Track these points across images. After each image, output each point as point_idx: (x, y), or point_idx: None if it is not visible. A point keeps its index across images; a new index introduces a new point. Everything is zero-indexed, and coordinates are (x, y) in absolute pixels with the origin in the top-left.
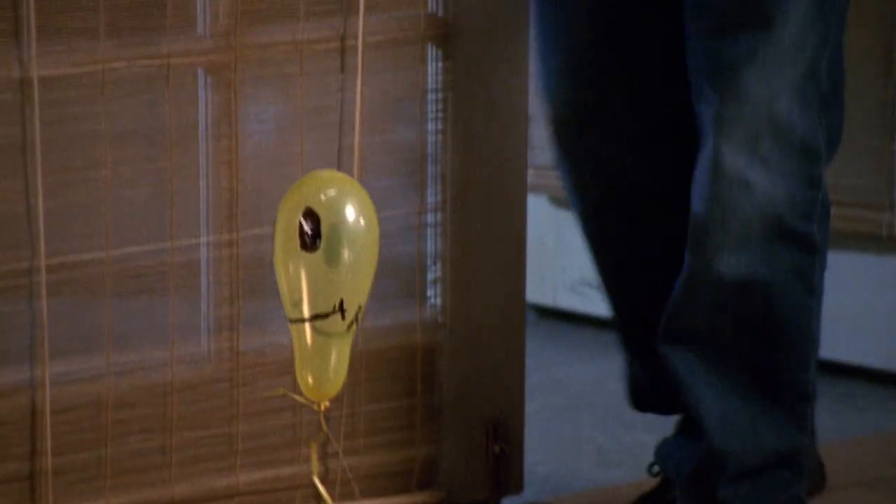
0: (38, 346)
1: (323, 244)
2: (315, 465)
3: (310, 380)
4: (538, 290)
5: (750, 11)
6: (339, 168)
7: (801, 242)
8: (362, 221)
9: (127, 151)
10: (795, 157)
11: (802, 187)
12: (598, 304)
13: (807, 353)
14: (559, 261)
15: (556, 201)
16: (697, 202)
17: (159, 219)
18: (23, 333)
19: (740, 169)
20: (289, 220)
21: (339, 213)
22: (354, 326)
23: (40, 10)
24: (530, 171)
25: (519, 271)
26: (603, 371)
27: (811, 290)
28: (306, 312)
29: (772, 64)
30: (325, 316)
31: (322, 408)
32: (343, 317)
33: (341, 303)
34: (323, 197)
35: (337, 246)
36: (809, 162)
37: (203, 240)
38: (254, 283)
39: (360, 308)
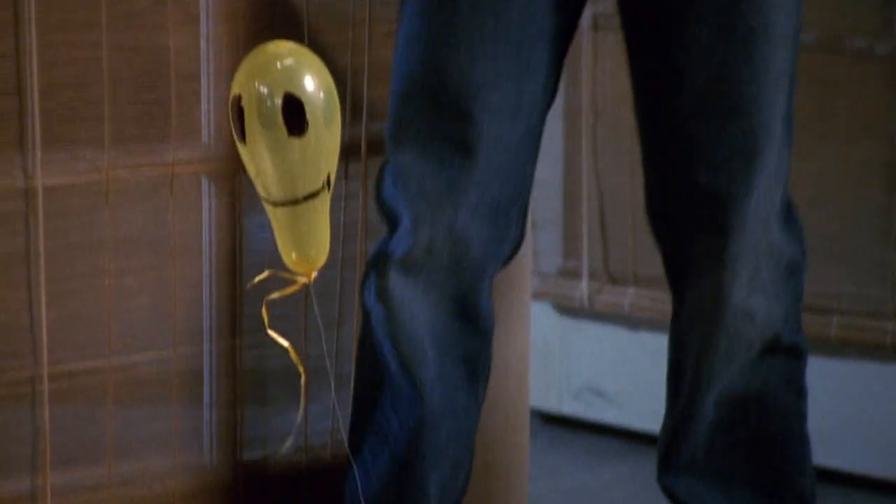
0: (39, 455)
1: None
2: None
3: (294, 255)
4: (543, 396)
5: (745, 146)
6: (341, 280)
7: (792, 352)
8: (322, 94)
9: (131, 260)
10: (786, 277)
11: (793, 302)
12: (603, 412)
13: (803, 457)
14: (564, 367)
15: (561, 308)
16: (697, 337)
17: (162, 326)
18: (24, 442)
19: (743, 300)
20: (252, 97)
21: (299, 83)
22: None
23: (45, 120)
24: (534, 278)
25: (523, 377)
26: (608, 480)
27: (800, 394)
28: (295, 194)
29: (764, 193)
30: (315, 194)
31: (311, 279)
32: (329, 189)
33: (328, 178)
34: (279, 65)
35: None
36: (796, 277)
37: (206, 348)
38: (256, 392)
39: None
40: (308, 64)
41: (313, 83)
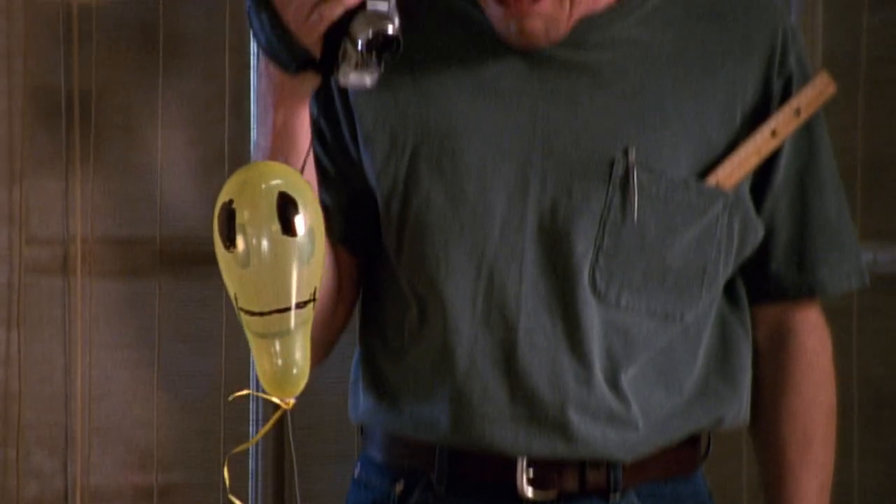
0: None
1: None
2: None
3: (275, 375)
4: None
5: None
6: None
7: None
8: (313, 201)
9: None
10: None
11: None
12: None
13: None
14: None
15: None
16: None
17: None
18: None
19: None
20: (246, 195)
21: (293, 184)
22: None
23: None
24: None
25: None
26: None
27: None
28: (285, 300)
29: None
30: (305, 304)
31: (290, 405)
32: (314, 306)
33: (314, 291)
34: (271, 170)
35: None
36: None
37: None
38: None
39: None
40: (295, 174)
41: (302, 185)
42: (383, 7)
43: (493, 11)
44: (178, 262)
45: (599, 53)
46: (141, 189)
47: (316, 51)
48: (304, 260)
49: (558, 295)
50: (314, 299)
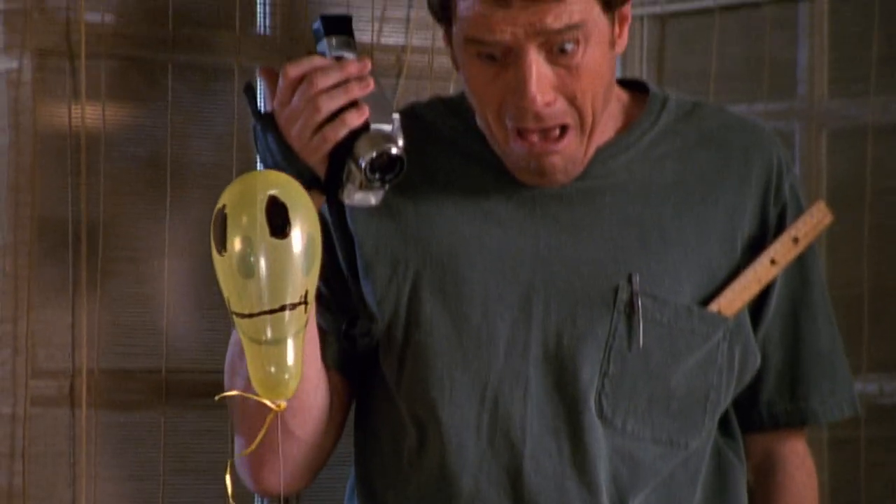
0: None
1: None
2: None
3: (266, 377)
4: None
5: None
6: None
7: None
8: (304, 205)
9: None
10: None
11: None
12: None
13: None
14: None
15: None
16: None
17: None
18: None
19: None
20: (235, 198)
21: (284, 188)
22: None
23: None
24: None
25: None
26: None
27: None
28: (272, 302)
29: None
30: (293, 306)
31: (281, 408)
32: (306, 309)
33: (306, 294)
34: (264, 176)
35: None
36: None
37: None
38: None
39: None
40: (292, 182)
41: (297, 192)
42: (387, 128)
43: (514, 148)
44: (183, 394)
45: (601, 182)
46: (147, 320)
47: (320, 170)
48: (295, 263)
49: (564, 420)
50: (306, 302)
